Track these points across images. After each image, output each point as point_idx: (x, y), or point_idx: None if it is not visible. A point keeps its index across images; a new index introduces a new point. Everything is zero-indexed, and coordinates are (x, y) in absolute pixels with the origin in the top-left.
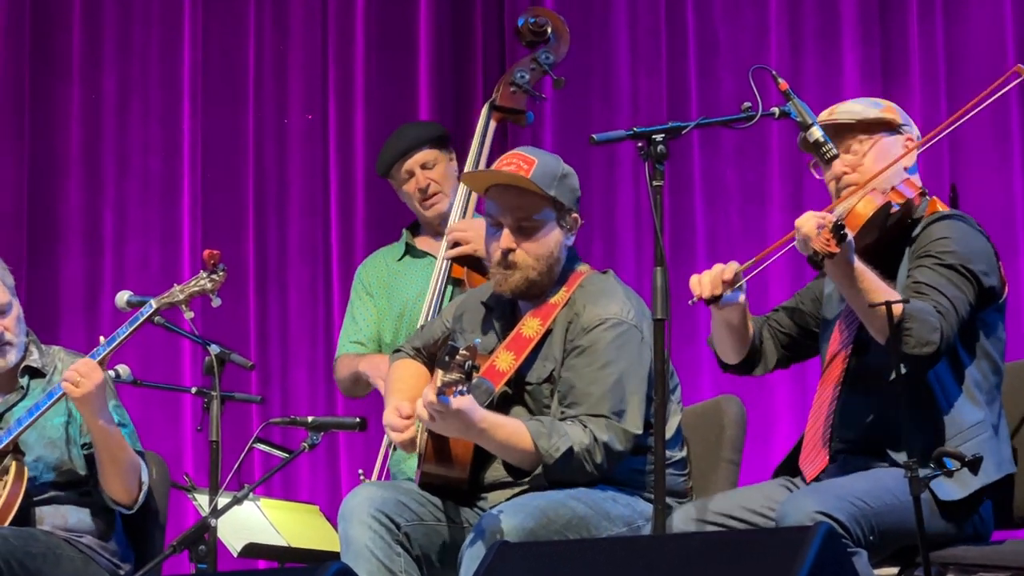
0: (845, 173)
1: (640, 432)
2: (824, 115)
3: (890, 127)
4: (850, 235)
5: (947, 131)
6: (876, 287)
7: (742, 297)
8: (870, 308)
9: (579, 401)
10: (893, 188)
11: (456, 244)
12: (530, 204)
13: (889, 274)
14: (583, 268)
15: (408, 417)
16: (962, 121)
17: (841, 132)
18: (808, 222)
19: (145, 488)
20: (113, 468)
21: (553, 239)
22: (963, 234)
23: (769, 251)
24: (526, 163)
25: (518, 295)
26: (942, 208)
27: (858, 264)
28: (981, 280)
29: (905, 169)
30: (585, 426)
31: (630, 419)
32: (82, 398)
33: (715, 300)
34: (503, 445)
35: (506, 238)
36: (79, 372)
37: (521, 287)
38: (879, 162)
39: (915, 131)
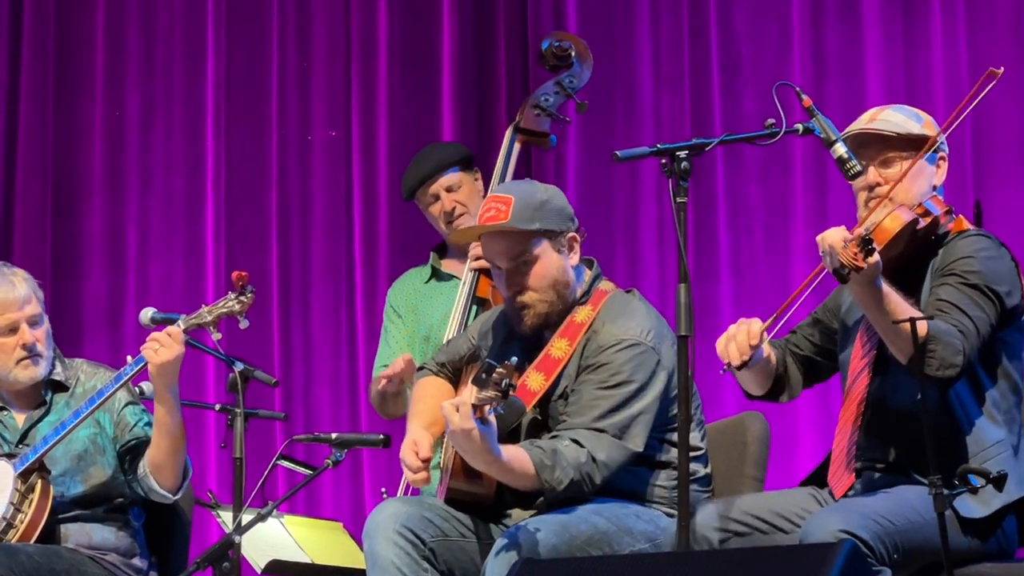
0: (879, 184)
1: (641, 450)
2: (864, 119)
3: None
4: (878, 249)
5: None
6: (902, 309)
7: (766, 350)
8: (894, 325)
9: (582, 412)
10: (920, 205)
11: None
12: (518, 243)
13: (911, 291)
14: (607, 286)
15: (426, 460)
16: (950, 131)
17: (880, 142)
18: (833, 234)
19: (188, 479)
20: (169, 444)
21: (553, 265)
22: (988, 253)
23: (792, 297)
24: (503, 204)
25: (539, 328)
26: (968, 226)
27: (884, 286)
28: (1004, 300)
29: (934, 188)
30: (581, 445)
31: (631, 437)
32: (160, 365)
33: (744, 365)
34: (509, 471)
35: (508, 283)
36: (160, 341)
37: (538, 323)
38: (914, 182)
39: (947, 149)
